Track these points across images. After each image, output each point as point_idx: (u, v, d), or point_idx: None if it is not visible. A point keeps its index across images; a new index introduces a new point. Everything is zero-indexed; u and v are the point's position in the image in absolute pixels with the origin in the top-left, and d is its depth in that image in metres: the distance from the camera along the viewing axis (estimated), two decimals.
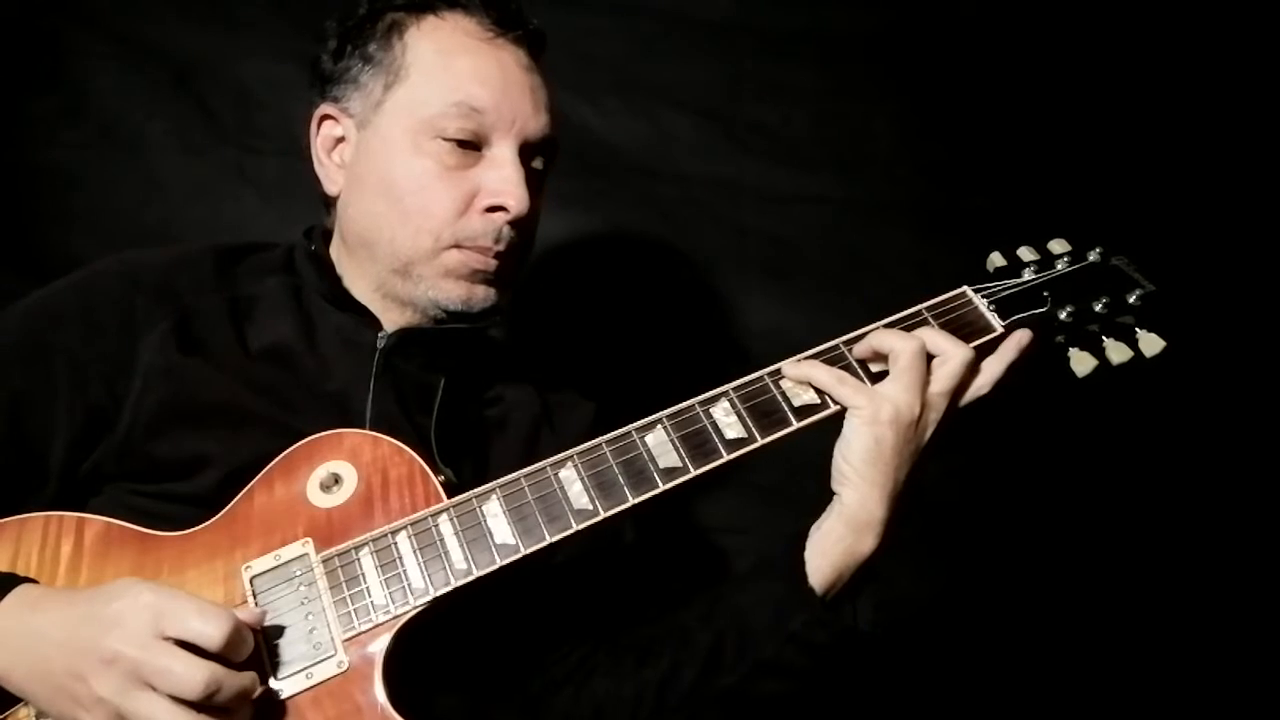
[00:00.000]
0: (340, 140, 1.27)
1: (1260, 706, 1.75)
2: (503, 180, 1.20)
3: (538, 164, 1.27)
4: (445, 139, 1.19)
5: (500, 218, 1.20)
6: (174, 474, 1.13)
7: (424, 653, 1.04)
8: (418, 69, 1.21)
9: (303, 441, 1.11)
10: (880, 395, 1.08)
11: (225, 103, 1.86)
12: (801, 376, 1.11)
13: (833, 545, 1.10)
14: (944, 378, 1.10)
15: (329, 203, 1.31)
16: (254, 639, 0.95)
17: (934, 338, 1.12)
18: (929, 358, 1.11)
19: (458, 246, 1.20)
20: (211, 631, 0.89)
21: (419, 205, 1.20)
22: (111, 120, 1.84)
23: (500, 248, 1.21)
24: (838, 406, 1.10)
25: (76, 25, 1.84)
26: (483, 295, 1.23)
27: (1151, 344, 1.16)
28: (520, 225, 1.22)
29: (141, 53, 1.85)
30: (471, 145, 1.20)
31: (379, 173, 1.22)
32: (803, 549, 1.11)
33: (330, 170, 1.28)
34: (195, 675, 0.87)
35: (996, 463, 1.81)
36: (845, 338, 1.14)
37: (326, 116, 1.28)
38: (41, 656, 0.91)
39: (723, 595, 1.18)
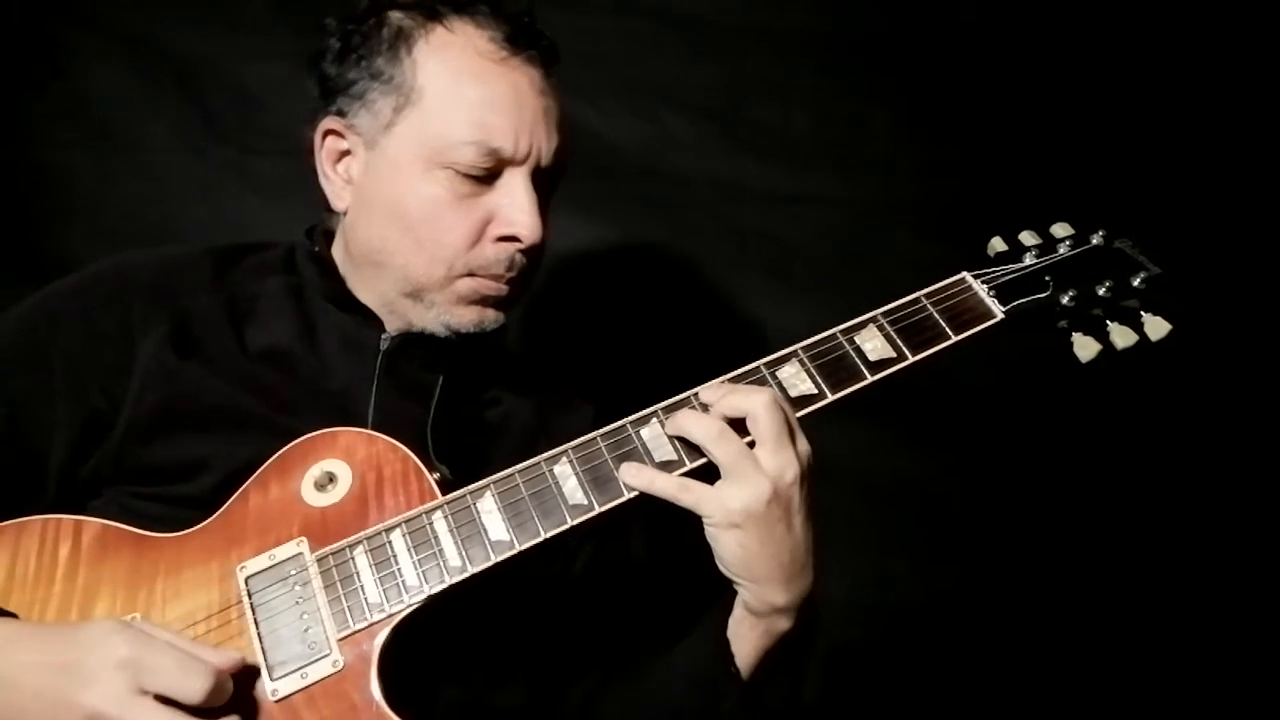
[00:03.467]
0: (346, 154, 1.24)
1: (1260, 706, 1.74)
2: (517, 210, 1.17)
3: (549, 188, 1.25)
4: (458, 171, 1.17)
5: (513, 246, 1.19)
6: (173, 477, 1.13)
7: (421, 650, 1.03)
8: (430, 94, 1.17)
9: (297, 441, 1.11)
10: (723, 497, 1.00)
11: (225, 103, 1.87)
12: (643, 485, 1.04)
13: (748, 631, 1.06)
14: (767, 438, 1.01)
15: (333, 212, 1.30)
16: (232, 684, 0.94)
17: (728, 401, 1.03)
18: (740, 421, 1.02)
19: (471, 274, 1.19)
20: (191, 687, 0.88)
21: (432, 235, 1.18)
22: (111, 120, 1.84)
23: (512, 274, 1.21)
24: (834, 396, 1.08)
25: (76, 25, 1.84)
26: (494, 318, 1.23)
27: (1157, 327, 1.14)
28: (531, 251, 1.21)
29: (141, 53, 1.85)
30: (485, 174, 1.18)
31: (389, 197, 1.19)
32: (725, 634, 1.07)
33: (336, 185, 1.25)
34: None
35: (1000, 451, 1.81)
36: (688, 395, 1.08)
37: (331, 131, 1.24)
38: (16, 705, 0.90)
39: (658, 677, 1.16)
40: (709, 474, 1.04)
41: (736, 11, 1.94)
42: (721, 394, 1.05)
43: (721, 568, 1.04)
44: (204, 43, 1.86)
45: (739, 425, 1.03)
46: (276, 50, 1.85)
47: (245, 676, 0.95)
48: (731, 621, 1.07)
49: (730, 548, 1.01)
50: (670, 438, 1.06)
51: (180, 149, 1.85)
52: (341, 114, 1.22)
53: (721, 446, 1.01)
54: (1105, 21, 1.92)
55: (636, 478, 1.04)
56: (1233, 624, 1.78)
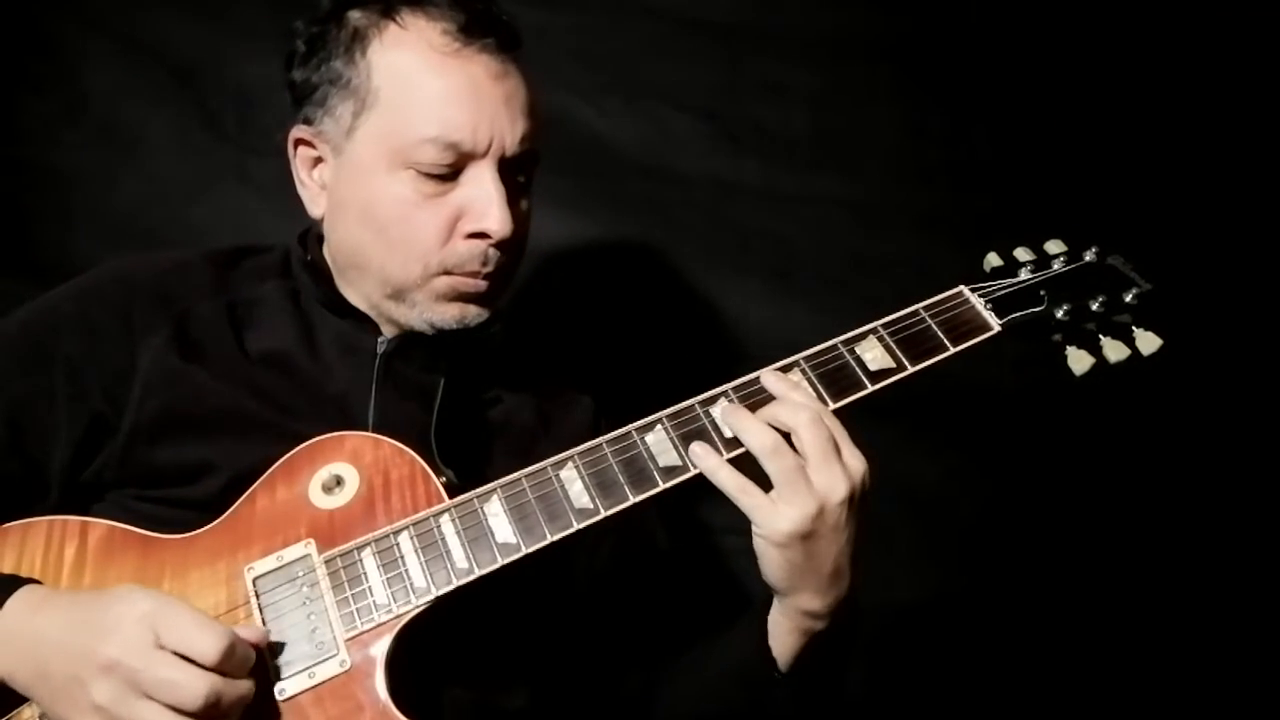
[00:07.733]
0: (319, 160, 1.24)
1: (1260, 706, 1.75)
2: (484, 202, 1.16)
3: (521, 177, 1.23)
4: (420, 171, 1.15)
5: (485, 242, 1.18)
6: (177, 480, 1.14)
7: (428, 652, 1.05)
8: (385, 95, 1.15)
9: (304, 444, 1.12)
10: (775, 518, 1.00)
11: (225, 103, 1.85)
12: (708, 469, 1.04)
13: (784, 632, 1.09)
14: (812, 456, 1.01)
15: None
16: (254, 653, 0.95)
17: (771, 412, 1.04)
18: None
19: (447, 273, 1.19)
20: (207, 646, 0.89)
21: (402, 236, 1.17)
22: (111, 120, 1.83)
23: (488, 269, 1.20)
24: (835, 405, 1.09)
25: (76, 25, 1.83)
26: (475, 313, 1.23)
27: (1149, 342, 1.16)
28: (506, 244, 1.19)
29: (141, 53, 1.84)
30: (448, 172, 1.16)
31: (359, 202, 1.19)
32: (765, 632, 1.10)
33: (313, 191, 1.25)
34: (196, 687, 0.87)
35: (995, 462, 1.81)
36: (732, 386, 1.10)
37: (301, 140, 1.24)
38: (42, 659, 0.92)
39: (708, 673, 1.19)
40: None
41: (736, 11, 1.93)
42: (779, 390, 1.05)
43: (763, 574, 1.05)
44: (204, 43, 1.85)
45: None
46: (276, 50, 1.81)
47: (252, 675, 0.95)
48: (770, 621, 1.10)
49: (776, 562, 1.02)
50: (674, 444, 1.07)
51: (180, 149, 1.84)
52: (309, 121, 1.22)
53: (777, 461, 1.01)
54: (1108, 25, 1.92)
55: (704, 460, 1.04)
56: (1230, 626, 1.79)
